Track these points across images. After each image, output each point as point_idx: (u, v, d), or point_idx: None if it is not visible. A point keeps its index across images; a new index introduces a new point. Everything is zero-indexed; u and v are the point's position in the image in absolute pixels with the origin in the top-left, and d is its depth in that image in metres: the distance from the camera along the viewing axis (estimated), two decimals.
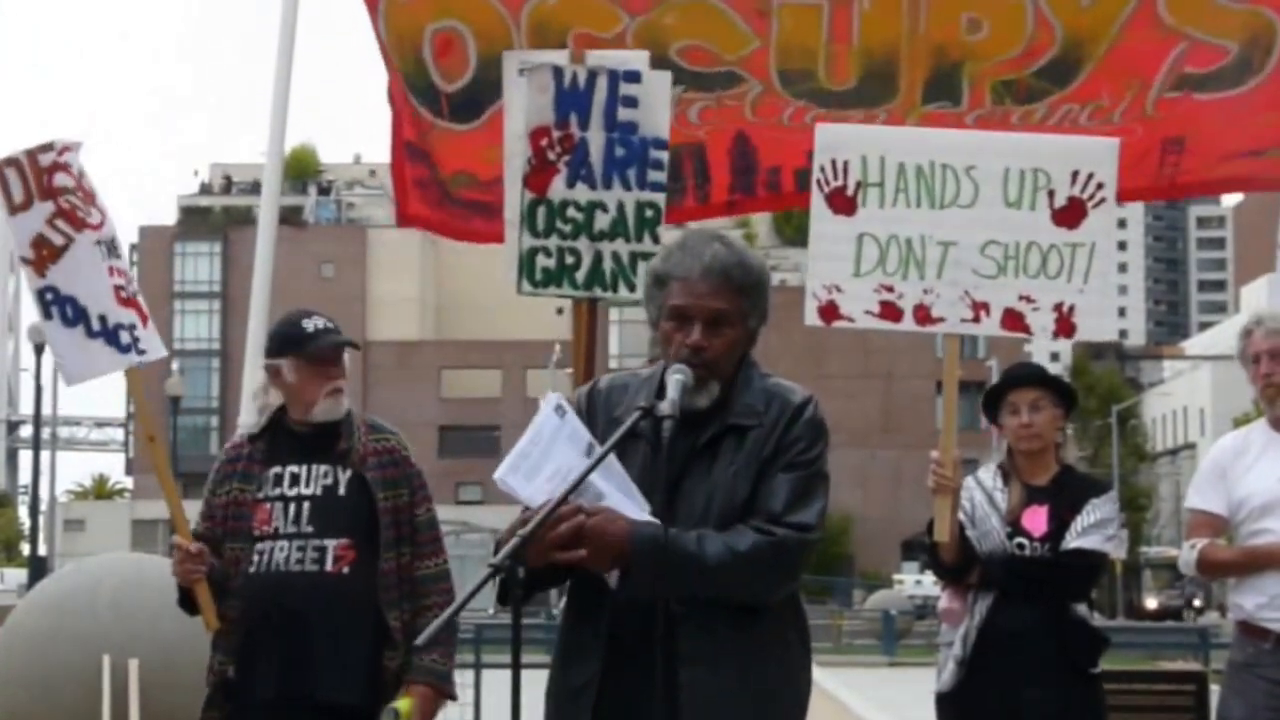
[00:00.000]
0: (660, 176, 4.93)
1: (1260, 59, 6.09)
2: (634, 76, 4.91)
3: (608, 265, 4.94)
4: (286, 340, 5.27)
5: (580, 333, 4.96)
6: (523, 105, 4.94)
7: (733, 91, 6.29)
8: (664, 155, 4.94)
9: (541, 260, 4.94)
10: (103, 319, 5.45)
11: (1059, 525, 5.64)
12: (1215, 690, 6.53)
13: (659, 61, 6.26)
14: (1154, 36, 6.13)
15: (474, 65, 6.21)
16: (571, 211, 4.91)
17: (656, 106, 4.93)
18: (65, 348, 5.52)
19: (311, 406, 5.24)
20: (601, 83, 4.90)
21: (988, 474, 5.80)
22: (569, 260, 4.93)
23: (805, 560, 3.91)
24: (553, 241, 4.93)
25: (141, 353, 5.51)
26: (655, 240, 4.97)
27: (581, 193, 4.91)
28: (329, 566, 5.15)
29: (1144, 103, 6.13)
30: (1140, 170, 6.25)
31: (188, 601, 5.24)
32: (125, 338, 5.47)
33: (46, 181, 5.42)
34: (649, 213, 4.94)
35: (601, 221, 4.92)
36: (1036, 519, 5.67)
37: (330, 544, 5.16)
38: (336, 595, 5.14)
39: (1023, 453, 5.75)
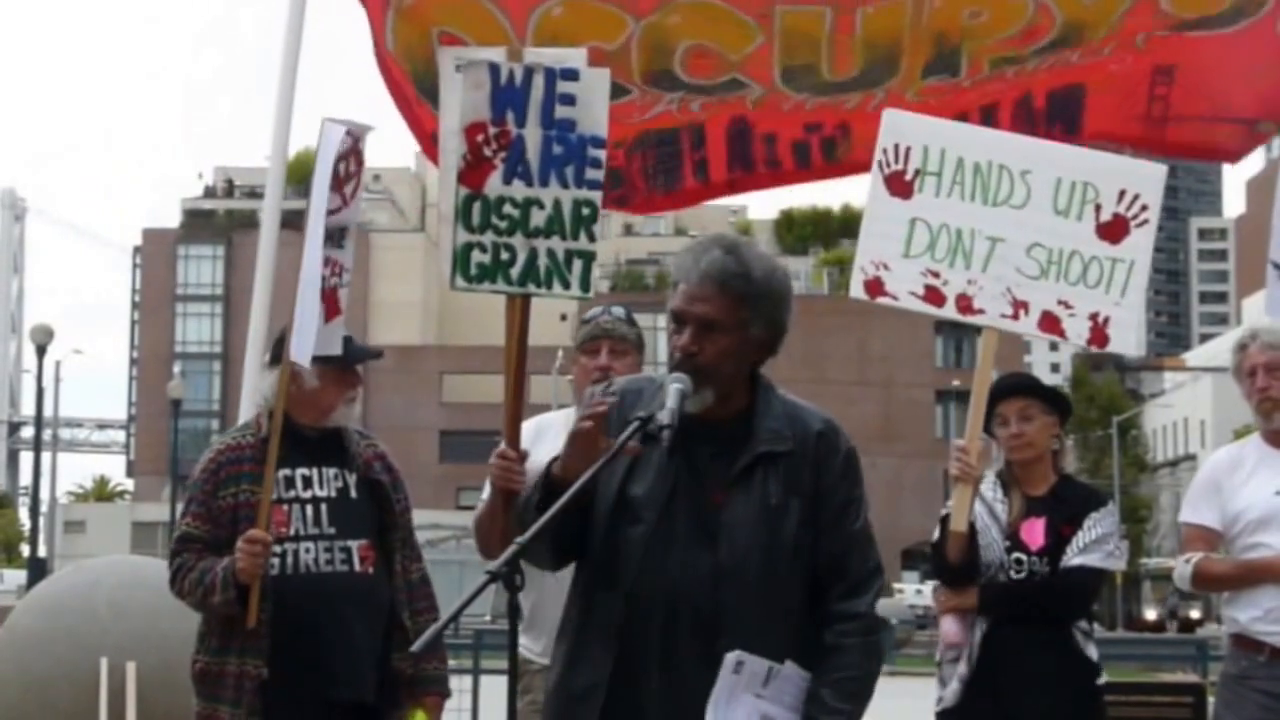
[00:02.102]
0: (598, 175, 4.90)
1: (1253, 8, 6.15)
2: (571, 74, 4.87)
3: (543, 262, 4.91)
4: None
5: (513, 330, 4.94)
6: (458, 102, 4.92)
7: (734, 95, 6.35)
8: (601, 154, 4.90)
9: (476, 256, 4.90)
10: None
11: (1056, 538, 5.64)
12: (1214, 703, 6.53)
13: (661, 75, 6.30)
14: (1150, 19, 6.19)
15: None
16: (507, 208, 4.88)
17: (595, 104, 4.88)
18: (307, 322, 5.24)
19: (329, 412, 5.28)
20: (538, 80, 4.85)
21: (987, 484, 5.79)
22: (504, 256, 4.90)
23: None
24: (488, 237, 4.89)
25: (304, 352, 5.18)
26: (591, 239, 4.94)
27: (518, 189, 4.87)
28: (357, 566, 5.21)
29: (1134, 40, 6.20)
30: (1130, 102, 6.30)
31: (241, 599, 5.09)
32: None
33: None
34: (585, 211, 4.91)
35: (537, 218, 4.88)
36: (1034, 532, 5.67)
37: (354, 544, 5.22)
38: (367, 594, 5.21)
39: (1017, 462, 5.77)
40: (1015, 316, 5.18)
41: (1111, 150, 5.65)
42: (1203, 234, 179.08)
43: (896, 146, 5.20)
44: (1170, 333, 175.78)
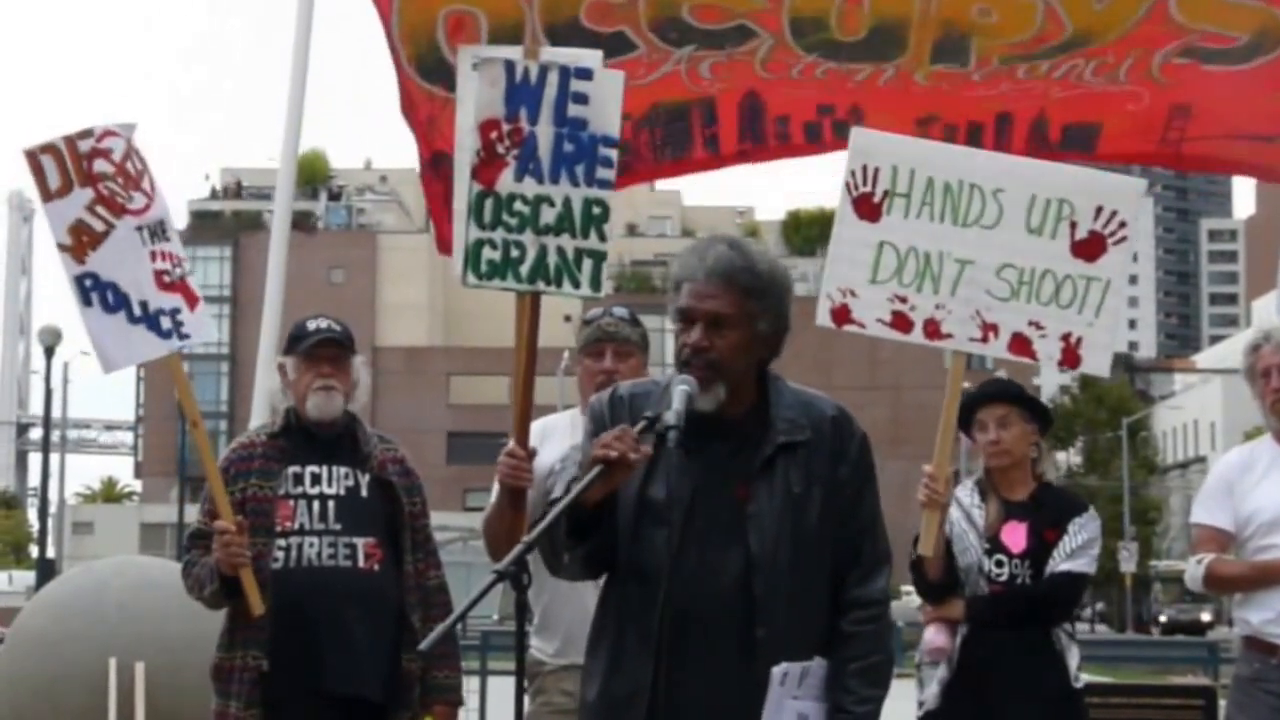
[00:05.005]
0: (609, 174, 4.90)
1: (1270, 44, 6.15)
2: (585, 74, 4.88)
3: (552, 260, 4.91)
4: (290, 339, 5.43)
5: (523, 328, 4.94)
6: (473, 99, 4.93)
7: (744, 48, 6.35)
8: (613, 153, 4.91)
9: (487, 253, 4.91)
10: (144, 305, 5.41)
11: (1039, 542, 5.71)
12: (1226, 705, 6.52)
13: (669, 23, 6.30)
14: (1163, 29, 6.20)
15: (485, 41, 6.25)
16: (518, 205, 4.89)
17: (608, 104, 4.89)
18: (104, 334, 5.44)
19: (303, 401, 5.33)
20: (553, 78, 4.86)
21: (965, 491, 5.85)
22: (514, 253, 4.90)
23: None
24: (499, 234, 4.90)
25: (185, 337, 5.48)
26: (602, 238, 4.94)
27: (529, 186, 4.88)
28: (361, 563, 5.26)
29: (1149, 64, 6.20)
30: (1146, 135, 6.35)
31: (226, 590, 5.18)
32: (166, 323, 5.44)
33: (86, 168, 5.37)
34: (596, 210, 4.91)
35: (547, 216, 4.89)
36: (1016, 535, 5.73)
37: (360, 541, 5.27)
38: (370, 591, 5.25)
39: (995, 469, 5.81)
40: (984, 340, 5.10)
41: (1120, 167, 5.64)
42: (1213, 235, 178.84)
43: (865, 168, 5.06)
44: (1180, 334, 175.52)
